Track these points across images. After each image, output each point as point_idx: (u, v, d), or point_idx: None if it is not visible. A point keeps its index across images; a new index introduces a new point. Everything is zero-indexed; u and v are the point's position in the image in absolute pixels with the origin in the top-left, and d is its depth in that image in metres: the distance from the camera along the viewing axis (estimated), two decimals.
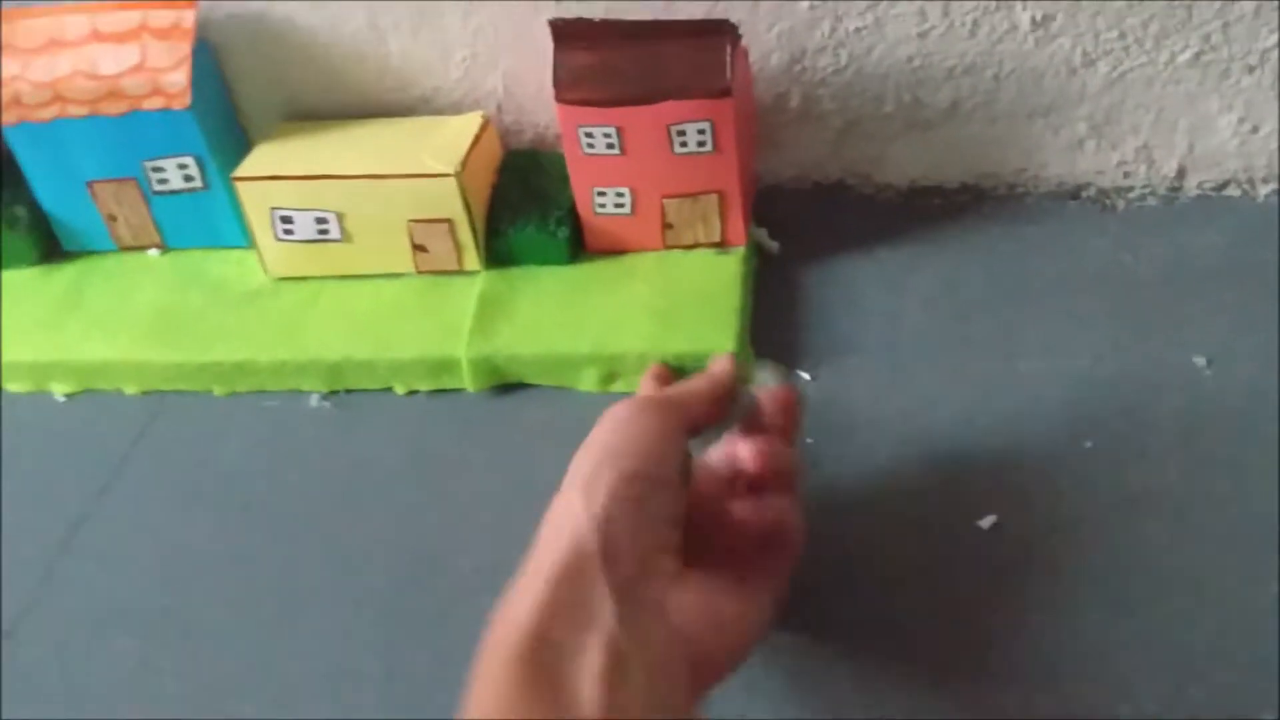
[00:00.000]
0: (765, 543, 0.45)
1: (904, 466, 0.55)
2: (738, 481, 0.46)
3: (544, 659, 0.36)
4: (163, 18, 0.64)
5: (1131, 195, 0.68)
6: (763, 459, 0.45)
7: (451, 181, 0.62)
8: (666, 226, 0.64)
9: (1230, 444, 0.53)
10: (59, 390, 0.65)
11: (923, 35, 0.64)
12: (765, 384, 0.48)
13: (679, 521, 0.42)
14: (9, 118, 0.65)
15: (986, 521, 0.51)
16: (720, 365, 0.48)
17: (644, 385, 0.56)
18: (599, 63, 0.60)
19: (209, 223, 0.69)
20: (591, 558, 0.38)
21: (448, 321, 0.62)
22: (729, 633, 0.42)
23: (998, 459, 0.54)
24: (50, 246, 0.71)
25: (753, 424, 0.47)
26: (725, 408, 0.46)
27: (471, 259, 0.65)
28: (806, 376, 0.60)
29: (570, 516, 0.39)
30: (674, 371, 0.58)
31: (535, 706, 0.35)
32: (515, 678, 0.36)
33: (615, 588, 0.38)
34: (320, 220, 0.64)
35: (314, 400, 0.63)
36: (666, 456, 0.42)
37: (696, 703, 0.40)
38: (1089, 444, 0.54)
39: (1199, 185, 0.68)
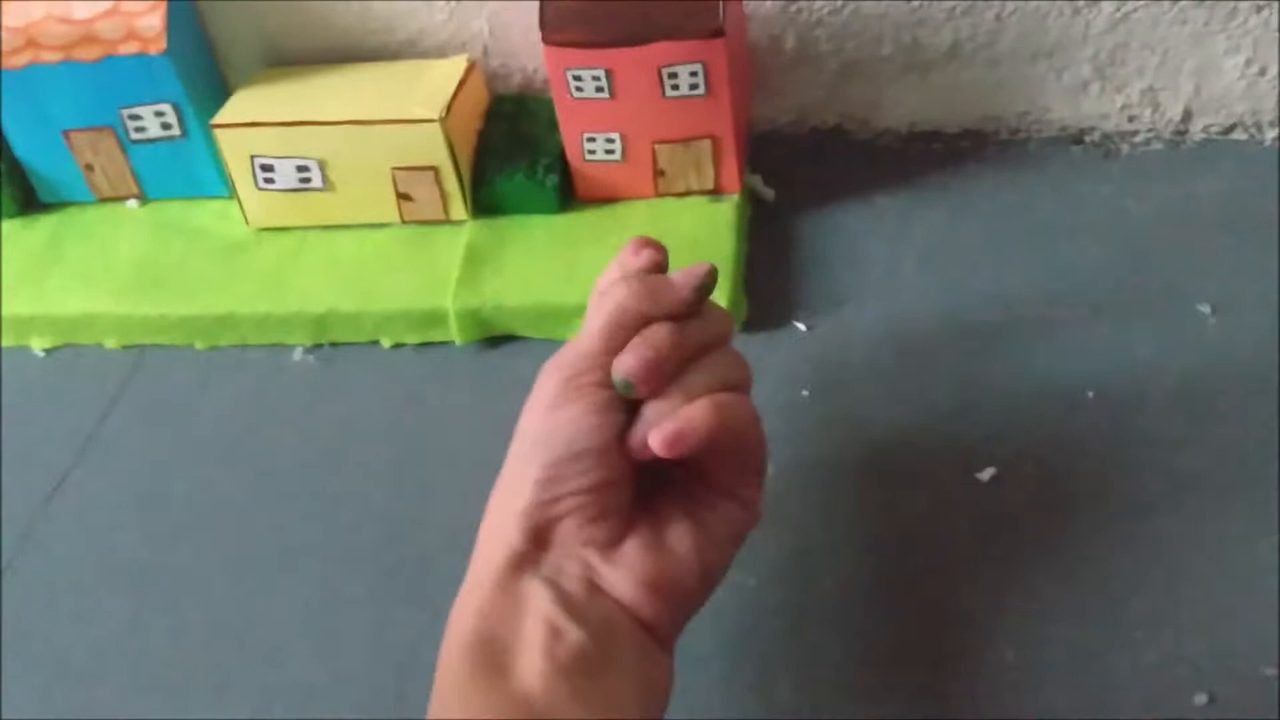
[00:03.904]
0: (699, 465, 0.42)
1: (902, 419, 0.54)
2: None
3: (491, 651, 0.37)
4: None
5: (1136, 140, 0.66)
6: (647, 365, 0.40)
7: (436, 127, 0.60)
8: (658, 173, 0.62)
9: (1234, 393, 0.52)
10: (38, 345, 0.64)
11: None
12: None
13: (608, 487, 0.40)
14: None
15: (986, 474, 0.51)
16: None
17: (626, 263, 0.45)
18: (587, 3, 0.58)
19: (188, 172, 0.67)
20: (523, 556, 0.39)
21: (434, 273, 0.61)
22: (685, 566, 0.40)
23: (997, 411, 0.53)
24: (27, 198, 0.69)
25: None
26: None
27: (458, 208, 0.63)
28: (802, 327, 0.58)
29: (503, 518, 0.40)
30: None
31: (484, 689, 0.37)
32: (467, 667, 0.37)
33: (547, 578, 0.39)
34: (302, 168, 0.62)
35: (298, 354, 0.62)
36: (588, 431, 0.39)
37: (672, 637, 0.41)
38: (1090, 394, 0.53)
39: (1204, 129, 0.66)
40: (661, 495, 0.42)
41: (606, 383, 0.40)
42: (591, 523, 0.40)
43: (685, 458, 0.39)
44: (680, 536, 0.41)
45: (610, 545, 0.40)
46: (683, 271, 0.42)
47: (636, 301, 0.41)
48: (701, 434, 0.39)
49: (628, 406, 0.40)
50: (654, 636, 0.40)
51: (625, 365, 0.40)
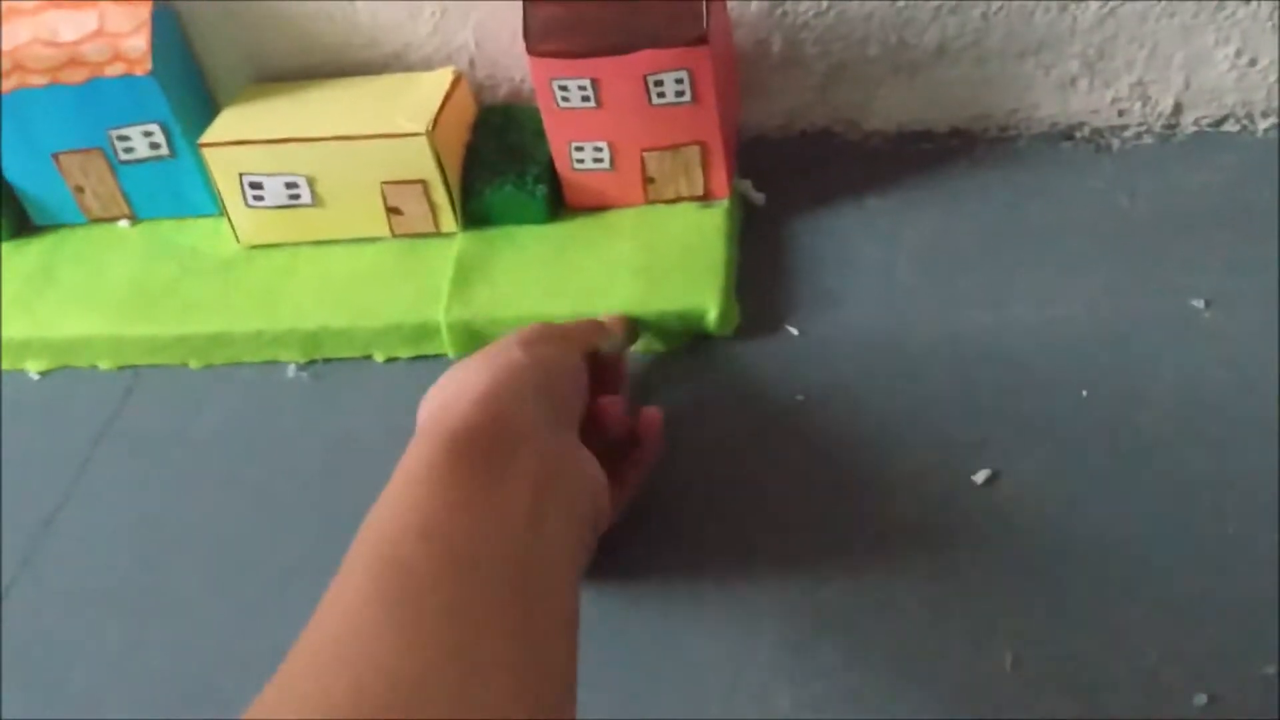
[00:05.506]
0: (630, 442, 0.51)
1: (897, 421, 0.53)
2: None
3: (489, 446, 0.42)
4: None
5: (1127, 134, 0.66)
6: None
7: (424, 140, 0.60)
8: (648, 181, 0.62)
9: (1230, 389, 0.52)
10: (33, 368, 0.64)
11: None
12: None
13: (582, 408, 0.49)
14: None
15: (981, 475, 0.50)
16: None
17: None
18: (571, 13, 0.58)
19: (178, 191, 0.67)
20: (528, 376, 0.45)
21: (426, 286, 0.61)
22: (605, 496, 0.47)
23: (991, 412, 0.53)
24: (20, 221, 0.69)
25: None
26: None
27: (448, 220, 0.63)
28: (795, 332, 0.58)
29: (507, 350, 0.47)
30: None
31: (472, 483, 0.41)
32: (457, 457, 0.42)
33: (550, 414, 0.45)
34: (291, 185, 0.62)
35: (291, 371, 0.62)
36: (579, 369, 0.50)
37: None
38: (1085, 393, 0.53)
39: (1196, 121, 0.66)
40: None
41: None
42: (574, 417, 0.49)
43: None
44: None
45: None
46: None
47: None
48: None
49: None
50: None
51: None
